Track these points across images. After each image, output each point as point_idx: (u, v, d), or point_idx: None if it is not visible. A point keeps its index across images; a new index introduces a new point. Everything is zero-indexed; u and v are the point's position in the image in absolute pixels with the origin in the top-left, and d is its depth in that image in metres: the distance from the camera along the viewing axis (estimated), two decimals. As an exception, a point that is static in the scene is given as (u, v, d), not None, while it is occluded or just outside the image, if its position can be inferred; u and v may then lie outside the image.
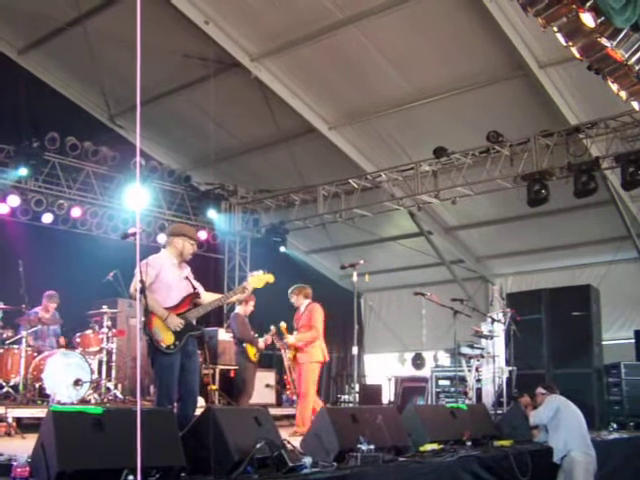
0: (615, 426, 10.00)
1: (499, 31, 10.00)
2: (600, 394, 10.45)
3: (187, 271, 6.43)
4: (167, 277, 6.16)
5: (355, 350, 8.34)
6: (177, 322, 5.96)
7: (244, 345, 10.43)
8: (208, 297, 6.42)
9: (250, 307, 10.59)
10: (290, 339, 9.26)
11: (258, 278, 6.53)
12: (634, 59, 7.02)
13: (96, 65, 11.76)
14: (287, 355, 9.52)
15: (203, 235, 14.78)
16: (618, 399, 10.62)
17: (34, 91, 12.19)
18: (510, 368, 10.39)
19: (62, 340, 10.77)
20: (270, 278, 6.62)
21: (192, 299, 6.26)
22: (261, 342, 10.65)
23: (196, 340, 6.37)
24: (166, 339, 5.89)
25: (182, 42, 11.57)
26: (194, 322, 6.22)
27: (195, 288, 6.33)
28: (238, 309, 10.64)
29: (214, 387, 11.81)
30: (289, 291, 9.48)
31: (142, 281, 5.50)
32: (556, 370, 10.51)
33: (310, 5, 10.59)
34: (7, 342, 9.83)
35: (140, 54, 3.56)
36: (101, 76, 12.17)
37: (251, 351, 10.42)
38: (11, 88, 11.55)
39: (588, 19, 6.34)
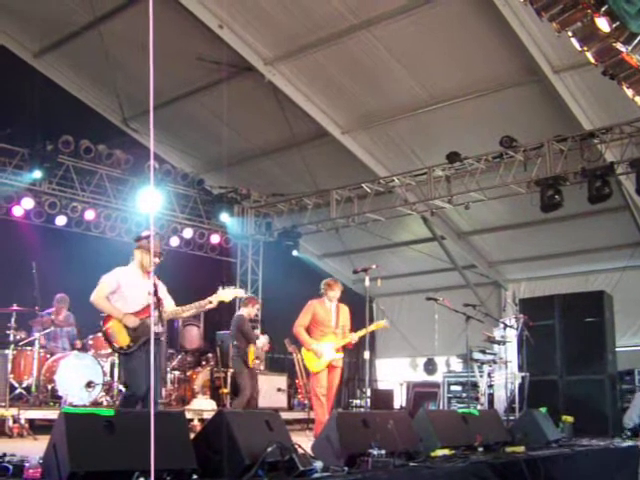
0: (629, 433, 9.91)
1: (513, 36, 9.96)
2: (614, 401, 10.36)
3: (152, 282, 6.23)
4: (129, 287, 6.33)
5: (367, 355, 8.30)
6: (132, 320, 6.17)
7: (247, 349, 9.80)
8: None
9: (254, 310, 10.39)
10: (354, 337, 8.26)
11: (228, 291, 6.67)
12: (649, 64, 6.98)
13: (110, 68, 11.81)
14: (330, 354, 8.23)
15: (216, 239, 14.85)
16: (632, 406, 10.55)
17: (49, 94, 12.25)
18: (523, 374, 10.36)
19: (78, 343, 10.78)
20: (239, 293, 6.86)
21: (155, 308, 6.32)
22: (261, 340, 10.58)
23: (166, 342, 6.52)
24: (120, 340, 6.17)
25: (196, 46, 11.62)
26: (159, 327, 6.20)
27: (160, 299, 6.21)
28: (242, 311, 10.18)
29: (225, 390, 11.80)
30: (337, 283, 8.53)
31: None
32: (569, 376, 10.45)
33: (324, 10, 10.61)
34: (20, 344, 9.87)
35: (153, 58, 3.58)
36: (115, 79, 12.22)
37: (251, 356, 9.99)
38: (26, 91, 11.60)
39: (603, 24, 6.30)
